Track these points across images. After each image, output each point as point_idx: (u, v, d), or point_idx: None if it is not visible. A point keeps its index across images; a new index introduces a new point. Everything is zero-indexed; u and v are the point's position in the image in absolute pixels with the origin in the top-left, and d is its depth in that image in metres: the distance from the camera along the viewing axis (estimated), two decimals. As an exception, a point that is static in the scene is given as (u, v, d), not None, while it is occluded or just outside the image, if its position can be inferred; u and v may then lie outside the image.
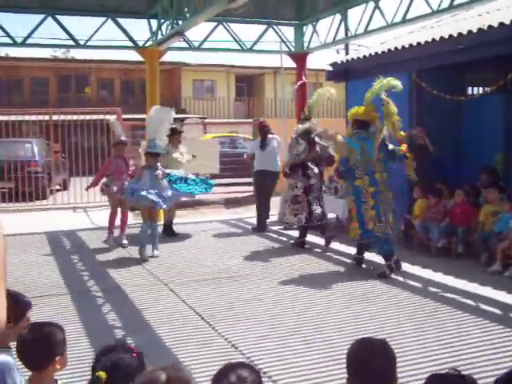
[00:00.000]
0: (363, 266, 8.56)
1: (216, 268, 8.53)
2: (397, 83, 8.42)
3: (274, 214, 12.26)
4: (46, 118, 16.60)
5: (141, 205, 9.41)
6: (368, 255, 8.69)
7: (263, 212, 11.74)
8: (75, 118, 16.77)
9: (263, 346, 5.41)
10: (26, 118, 17.30)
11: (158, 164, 9.37)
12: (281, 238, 10.96)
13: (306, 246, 9.99)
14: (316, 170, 9.74)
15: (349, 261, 8.87)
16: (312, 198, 9.66)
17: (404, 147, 8.20)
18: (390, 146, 8.22)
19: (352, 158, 8.25)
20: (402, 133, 8.37)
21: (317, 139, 9.74)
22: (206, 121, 28.75)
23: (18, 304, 3.15)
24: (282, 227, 11.67)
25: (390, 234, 8.13)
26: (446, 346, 5.33)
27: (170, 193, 9.39)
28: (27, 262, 9.17)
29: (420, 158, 10.38)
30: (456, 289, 7.21)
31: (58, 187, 18.13)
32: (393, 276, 7.88)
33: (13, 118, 16.58)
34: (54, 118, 16.64)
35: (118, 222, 10.43)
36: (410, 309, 6.48)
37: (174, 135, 10.86)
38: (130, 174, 10.14)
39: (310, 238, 10.20)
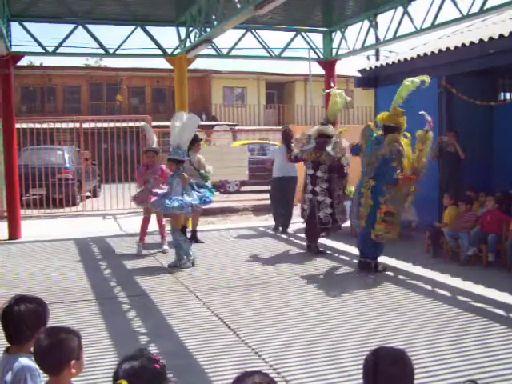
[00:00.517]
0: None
1: (243, 275, 8.51)
2: (424, 79, 8.48)
3: (297, 221, 12.18)
4: (77, 125, 16.81)
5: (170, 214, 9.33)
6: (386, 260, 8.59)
7: (280, 215, 12.29)
8: (105, 125, 16.94)
9: (287, 354, 5.36)
10: (57, 125, 17.54)
11: (181, 170, 9.13)
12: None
13: (322, 249, 10.06)
14: (311, 171, 9.84)
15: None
16: (306, 197, 9.96)
17: (402, 176, 8.19)
18: (393, 165, 8.19)
19: (362, 151, 8.66)
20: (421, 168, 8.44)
21: (329, 148, 9.69)
22: (236, 128, 28.85)
23: (43, 312, 3.19)
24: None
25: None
26: (474, 357, 5.22)
27: (192, 198, 9.23)
28: (56, 267, 9.26)
29: (450, 165, 10.28)
30: (486, 298, 7.06)
31: (88, 194, 18.34)
32: (421, 284, 7.77)
33: (44, 125, 16.82)
34: (85, 125, 16.85)
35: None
36: (437, 318, 6.35)
37: (194, 143, 10.59)
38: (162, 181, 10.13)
39: (333, 244, 10.13)
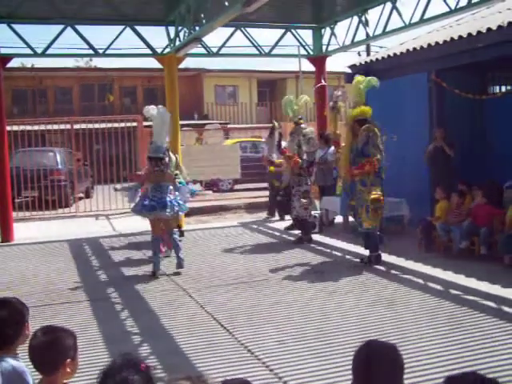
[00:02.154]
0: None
1: (236, 273, 8.51)
2: (373, 80, 9.04)
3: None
4: (69, 126, 16.77)
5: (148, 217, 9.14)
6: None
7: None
8: (97, 126, 16.90)
9: (280, 351, 5.37)
10: (49, 127, 17.49)
11: (162, 168, 8.78)
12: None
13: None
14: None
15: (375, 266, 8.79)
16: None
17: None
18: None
19: None
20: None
21: (302, 143, 10.49)
22: (228, 126, 28.83)
23: (21, 311, 3.17)
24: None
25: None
26: (467, 349, 5.24)
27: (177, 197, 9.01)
28: (49, 269, 9.26)
29: (440, 159, 10.31)
30: (478, 291, 7.08)
31: (81, 195, 18.29)
32: (413, 279, 7.80)
33: (35, 127, 16.78)
34: (76, 126, 16.81)
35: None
36: (430, 312, 6.37)
37: None
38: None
39: (326, 240, 10.15)
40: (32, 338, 2.90)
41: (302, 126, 10.67)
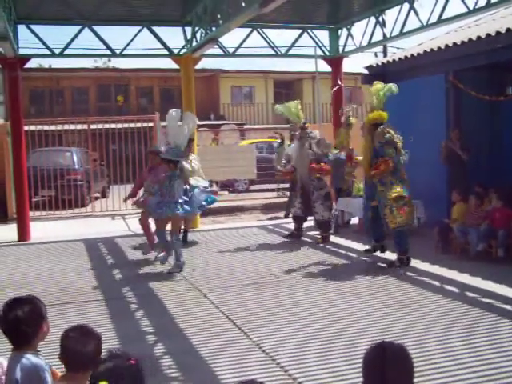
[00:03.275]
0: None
1: (251, 274, 8.50)
2: (393, 88, 9.04)
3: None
4: (85, 126, 16.86)
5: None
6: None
7: None
8: (113, 126, 16.97)
9: (295, 352, 5.35)
10: (66, 127, 17.60)
11: (177, 171, 8.84)
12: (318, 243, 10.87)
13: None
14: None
15: (385, 265, 8.74)
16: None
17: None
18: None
19: None
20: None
21: (314, 146, 10.75)
22: (244, 127, 28.85)
23: (38, 309, 3.22)
24: (318, 232, 11.63)
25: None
26: (484, 353, 5.18)
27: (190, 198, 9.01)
28: (66, 268, 9.30)
29: (456, 161, 10.24)
30: (495, 294, 7.01)
31: (97, 195, 18.39)
32: (430, 281, 7.74)
33: (52, 127, 16.89)
34: (93, 126, 16.90)
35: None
36: (446, 314, 6.32)
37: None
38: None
39: (342, 241, 10.11)
40: (72, 338, 2.98)
41: (308, 130, 10.96)
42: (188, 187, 8.96)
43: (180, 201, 8.75)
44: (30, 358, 3.08)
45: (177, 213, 8.74)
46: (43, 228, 13.50)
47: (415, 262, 8.79)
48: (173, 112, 9.16)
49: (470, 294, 7.08)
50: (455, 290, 7.31)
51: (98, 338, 3.03)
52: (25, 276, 8.85)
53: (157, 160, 9.73)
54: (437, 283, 7.63)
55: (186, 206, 8.81)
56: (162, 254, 9.35)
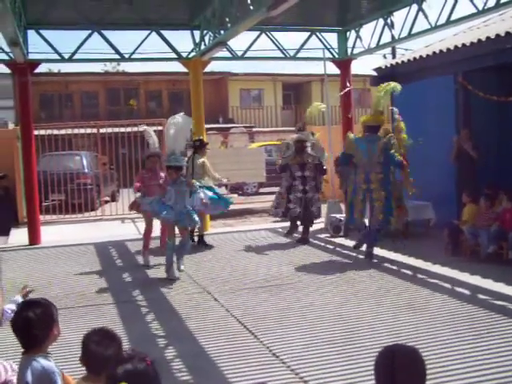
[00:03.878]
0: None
1: (261, 277, 8.50)
2: (398, 86, 9.36)
3: (320, 221, 12.16)
4: (95, 131, 16.92)
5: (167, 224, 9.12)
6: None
7: None
8: (122, 130, 17.02)
9: (304, 355, 5.34)
10: (75, 131, 17.67)
11: (182, 177, 8.82)
12: (327, 245, 10.85)
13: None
14: (299, 173, 10.90)
15: (394, 267, 8.72)
16: (293, 197, 10.88)
17: (401, 158, 9.05)
18: (392, 151, 9.01)
19: (356, 156, 9.28)
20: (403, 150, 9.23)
21: (309, 150, 11.04)
22: (253, 130, 28.85)
23: (50, 312, 3.25)
24: (328, 235, 11.64)
25: (372, 228, 9.20)
26: (496, 356, 5.14)
27: (200, 203, 9.10)
28: (75, 272, 9.33)
29: (466, 162, 10.20)
30: (506, 296, 6.98)
31: (107, 198, 18.44)
32: (440, 283, 7.71)
33: (62, 131, 16.96)
34: (102, 130, 16.96)
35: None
36: (457, 317, 6.29)
37: (201, 147, 11.09)
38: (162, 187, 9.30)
39: (351, 243, 10.07)
40: (96, 342, 3.01)
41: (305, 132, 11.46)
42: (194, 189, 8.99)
43: (189, 208, 8.70)
44: (40, 361, 3.12)
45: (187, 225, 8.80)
46: (53, 232, 13.55)
47: (425, 264, 8.77)
48: (175, 117, 9.07)
49: (481, 296, 7.04)
50: (466, 292, 7.28)
51: (119, 341, 3.07)
52: (36, 279, 8.87)
53: (156, 163, 9.84)
54: (447, 285, 7.60)
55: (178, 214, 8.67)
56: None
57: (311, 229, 11.41)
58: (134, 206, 10.14)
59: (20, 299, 3.67)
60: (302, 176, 10.91)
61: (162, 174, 9.55)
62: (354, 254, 9.79)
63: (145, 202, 9.32)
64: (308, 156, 10.96)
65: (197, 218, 8.87)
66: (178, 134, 8.82)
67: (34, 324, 3.14)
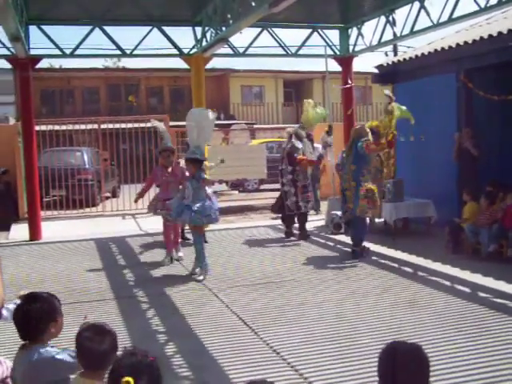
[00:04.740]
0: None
1: (261, 274, 8.50)
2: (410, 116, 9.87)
3: (320, 219, 12.18)
4: (96, 126, 16.92)
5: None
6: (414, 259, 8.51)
7: None
8: (123, 126, 17.02)
9: (305, 351, 5.35)
10: (76, 127, 17.66)
11: (201, 172, 8.49)
12: (328, 242, 10.85)
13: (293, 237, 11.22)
14: (279, 167, 11.32)
15: (395, 265, 8.72)
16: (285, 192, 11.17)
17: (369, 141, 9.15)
18: (363, 139, 9.15)
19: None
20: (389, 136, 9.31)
21: (296, 143, 11.10)
22: (254, 126, 28.83)
23: (52, 305, 3.25)
24: (329, 232, 11.64)
25: (352, 218, 9.38)
26: (495, 354, 5.15)
27: (212, 202, 8.62)
28: (76, 267, 9.34)
29: (467, 161, 10.19)
30: (507, 294, 6.97)
31: (107, 194, 18.43)
32: (441, 281, 7.71)
33: (63, 127, 16.95)
34: (103, 126, 16.95)
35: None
36: (458, 314, 6.30)
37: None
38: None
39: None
40: (89, 339, 2.99)
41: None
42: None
43: (196, 208, 8.33)
44: (38, 349, 3.12)
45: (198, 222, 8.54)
46: (54, 228, 13.56)
47: (426, 262, 8.77)
48: (194, 112, 9.00)
49: (482, 295, 7.04)
50: (467, 290, 7.28)
51: (113, 335, 3.05)
52: (37, 275, 8.88)
53: (171, 159, 9.61)
54: (448, 283, 7.60)
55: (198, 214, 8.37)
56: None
57: (312, 226, 11.40)
58: (152, 208, 9.82)
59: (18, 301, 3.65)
60: (280, 169, 11.30)
61: (180, 170, 9.45)
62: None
63: (167, 207, 9.02)
64: (292, 147, 11.10)
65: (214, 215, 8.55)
66: (199, 128, 8.59)
67: (35, 316, 3.15)
